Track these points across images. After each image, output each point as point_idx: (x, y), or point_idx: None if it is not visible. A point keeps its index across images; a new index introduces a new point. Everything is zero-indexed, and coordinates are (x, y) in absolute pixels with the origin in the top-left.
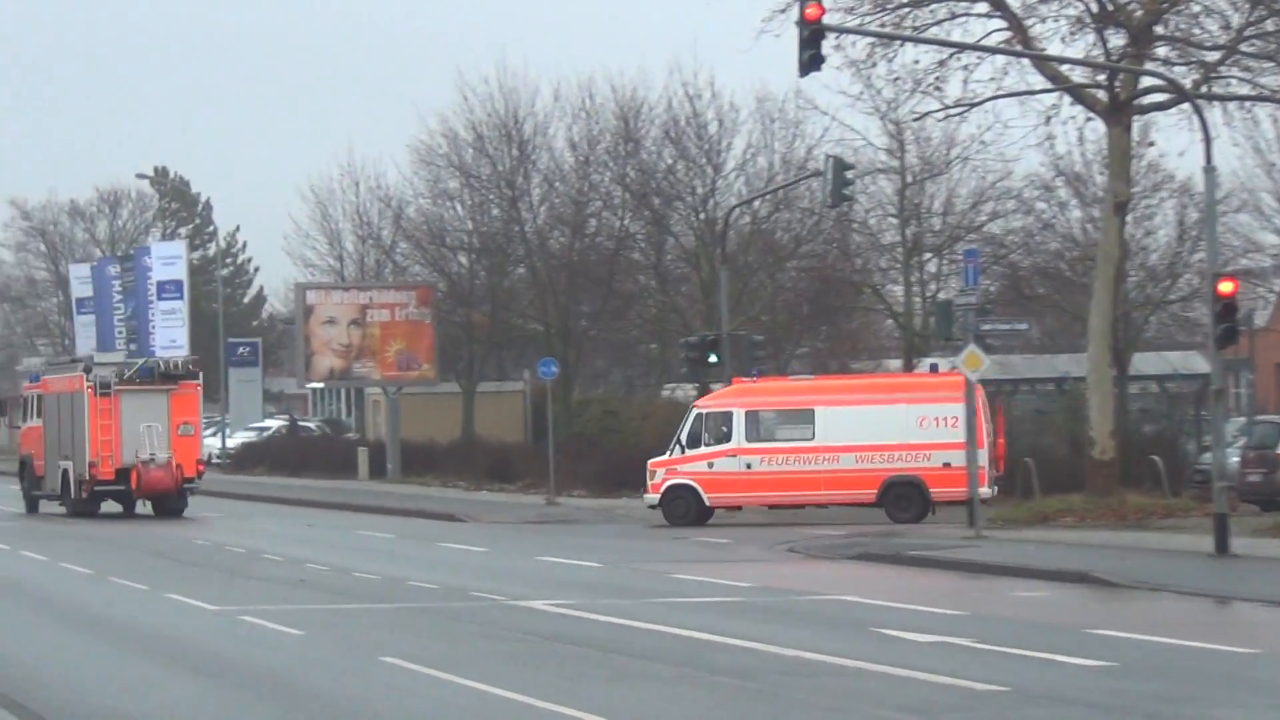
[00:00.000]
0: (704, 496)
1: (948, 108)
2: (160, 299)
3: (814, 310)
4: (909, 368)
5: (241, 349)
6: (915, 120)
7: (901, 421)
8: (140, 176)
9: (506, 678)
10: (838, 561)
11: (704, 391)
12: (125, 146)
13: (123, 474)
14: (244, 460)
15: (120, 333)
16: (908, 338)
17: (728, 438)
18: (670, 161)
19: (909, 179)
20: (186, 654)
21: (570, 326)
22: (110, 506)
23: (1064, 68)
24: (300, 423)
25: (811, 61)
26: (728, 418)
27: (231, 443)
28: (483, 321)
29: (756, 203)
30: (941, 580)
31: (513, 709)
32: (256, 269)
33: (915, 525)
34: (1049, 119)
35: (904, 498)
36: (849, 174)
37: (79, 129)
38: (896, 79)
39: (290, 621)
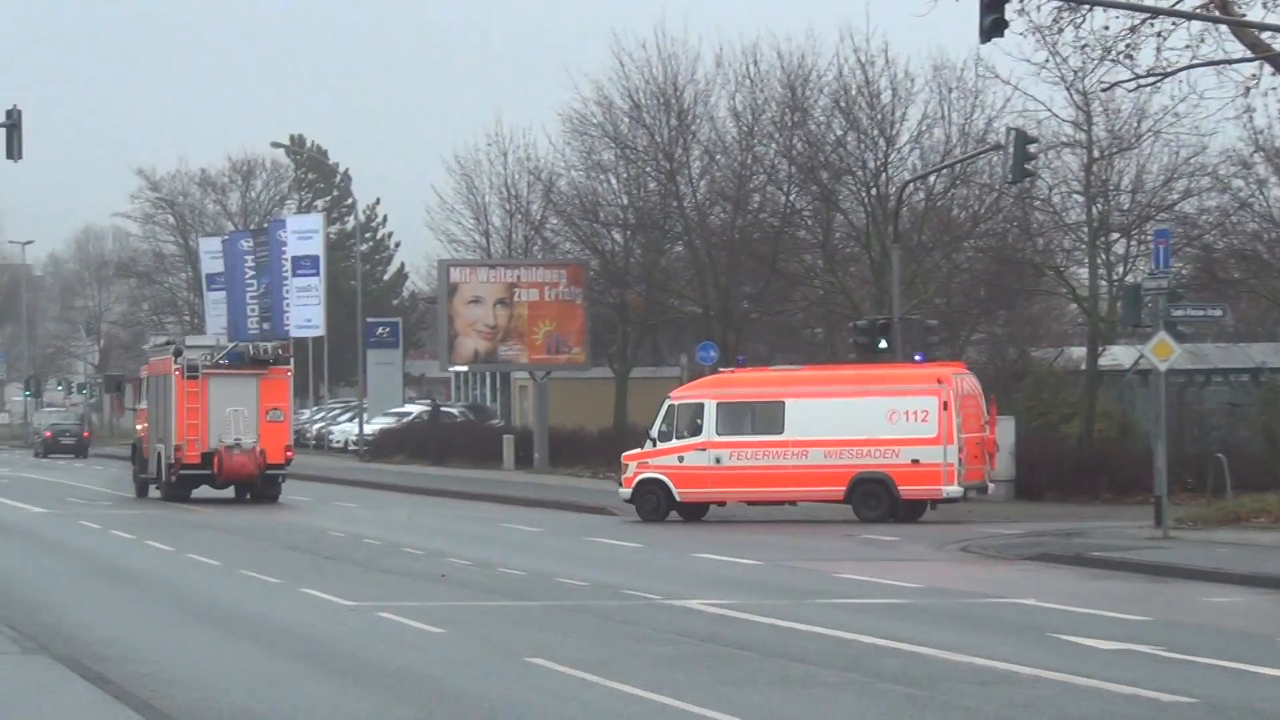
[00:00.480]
0: (674, 492)
1: (1139, 77)
2: (295, 275)
3: (992, 293)
4: (1093, 356)
5: (381, 329)
6: (1104, 90)
7: (871, 415)
8: (275, 145)
9: (660, 682)
10: (1013, 562)
11: None
12: (259, 113)
13: (208, 458)
14: (382, 447)
15: (253, 310)
16: (1093, 324)
17: (699, 430)
18: (840, 133)
19: (1096, 153)
20: (321, 652)
21: (731, 308)
22: (208, 492)
23: (1265, 35)
24: (443, 408)
25: (994, 27)
26: (700, 409)
27: (369, 429)
28: (638, 302)
29: (932, 178)
30: (1125, 583)
31: (666, 715)
32: (397, 244)
33: (1097, 524)
34: (1248, 90)
35: (871, 495)
36: (1032, 148)
37: (211, 95)
38: (1084, 46)
39: (431, 619)
